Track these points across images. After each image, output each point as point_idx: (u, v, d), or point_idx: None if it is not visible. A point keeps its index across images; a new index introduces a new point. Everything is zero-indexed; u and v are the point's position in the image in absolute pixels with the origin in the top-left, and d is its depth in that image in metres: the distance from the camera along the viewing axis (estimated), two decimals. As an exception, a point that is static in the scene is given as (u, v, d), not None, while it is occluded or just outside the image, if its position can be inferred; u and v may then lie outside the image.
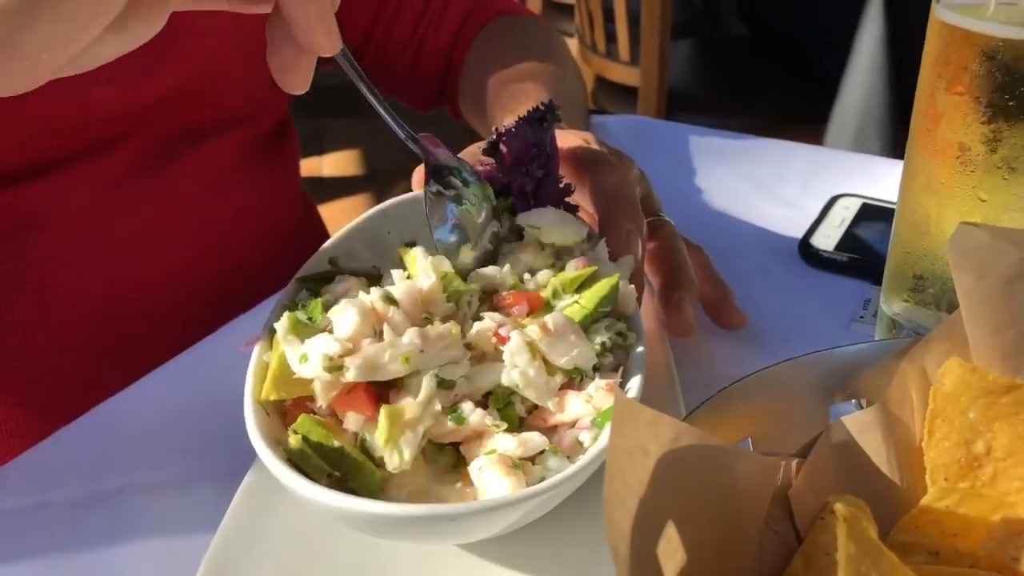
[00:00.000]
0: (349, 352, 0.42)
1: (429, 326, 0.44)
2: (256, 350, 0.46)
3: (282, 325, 0.45)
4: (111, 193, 0.74)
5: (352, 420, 0.43)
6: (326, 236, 0.57)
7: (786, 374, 0.43)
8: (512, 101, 0.78)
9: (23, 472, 0.55)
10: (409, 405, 0.42)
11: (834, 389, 0.43)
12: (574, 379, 0.46)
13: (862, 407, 0.43)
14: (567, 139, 0.61)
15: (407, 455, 0.41)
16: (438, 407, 0.43)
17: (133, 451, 0.57)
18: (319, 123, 3.34)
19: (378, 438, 0.41)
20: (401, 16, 0.92)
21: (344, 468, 0.42)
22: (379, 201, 0.58)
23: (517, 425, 0.45)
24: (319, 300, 0.48)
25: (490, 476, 0.41)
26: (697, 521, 0.35)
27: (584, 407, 0.44)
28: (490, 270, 0.50)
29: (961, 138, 0.50)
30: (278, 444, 0.42)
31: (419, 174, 0.60)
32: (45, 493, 0.53)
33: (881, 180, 0.84)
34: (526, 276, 0.51)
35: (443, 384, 0.44)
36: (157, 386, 0.62)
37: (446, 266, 0.49)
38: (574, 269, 0.50)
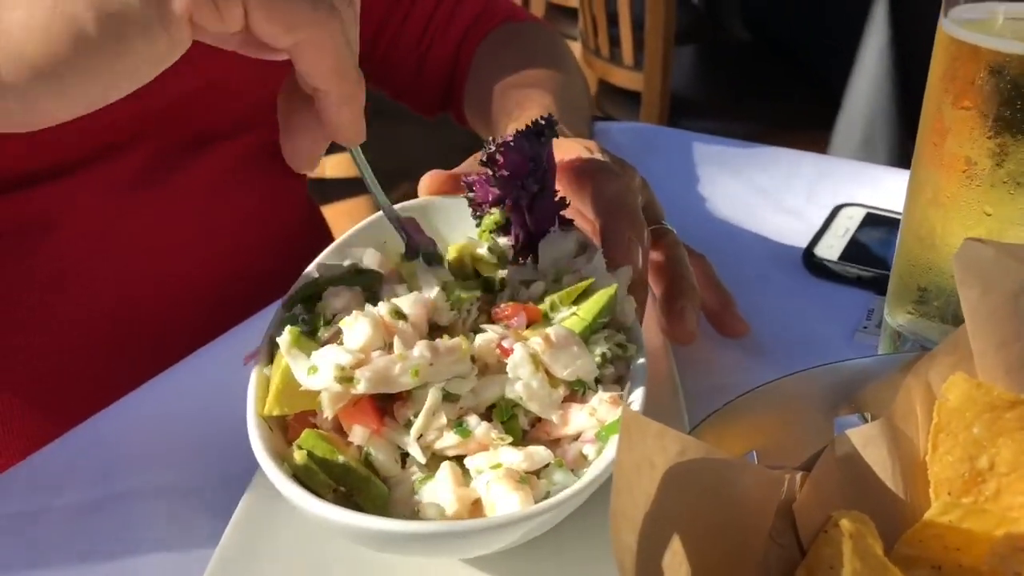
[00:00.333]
0: (359, 363, 0.42)
1: (439, 339, 0.44)
2: (256, 364, 0.46)
3: (285, 339, 0.45)
4: (121, 196, 0.74)
5: (358, 434, 0.43)
6: (331, 241, 0.57)
7: (791, 387, 0.43)
8: (517, 108, 0.78)
9: (26, 477, 0.55)
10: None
11: (839, 402, 0.43)
12: (576, 391, 0.46)
13: (867, 421, 0.43)
14: (570, 147, 0.61)
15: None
16: (444, 420, 0.43)
17: (137, 456, 0.57)
18: (322, 124, 3.34)
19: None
20: (408, 23, 0.93)
21: (350, 483, 0.42)
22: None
23: (521, 438, 0.45)
24: (319, 313, 0.47)
25: (498, 491, 0.41)
26: (702, 534, 0.35)
27: (588, 420, 0.44)
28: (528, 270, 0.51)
29: (967, 152, 0.50)
30: (282, 460, 0.42)
31: (429, 181, 0.60)
32: (48, 498, 0.53)
33: (885, 189, 0.85)
34: (521, 289, 0.51)
35: (448, 397, 0.44)
36: (162, 390, 0.62)
37: (446, 275, 0.49)
38: (571, 282, 0.50)
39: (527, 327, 0.48)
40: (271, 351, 0.47)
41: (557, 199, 0.55)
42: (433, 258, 0.52)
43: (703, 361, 0.62)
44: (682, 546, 0.33)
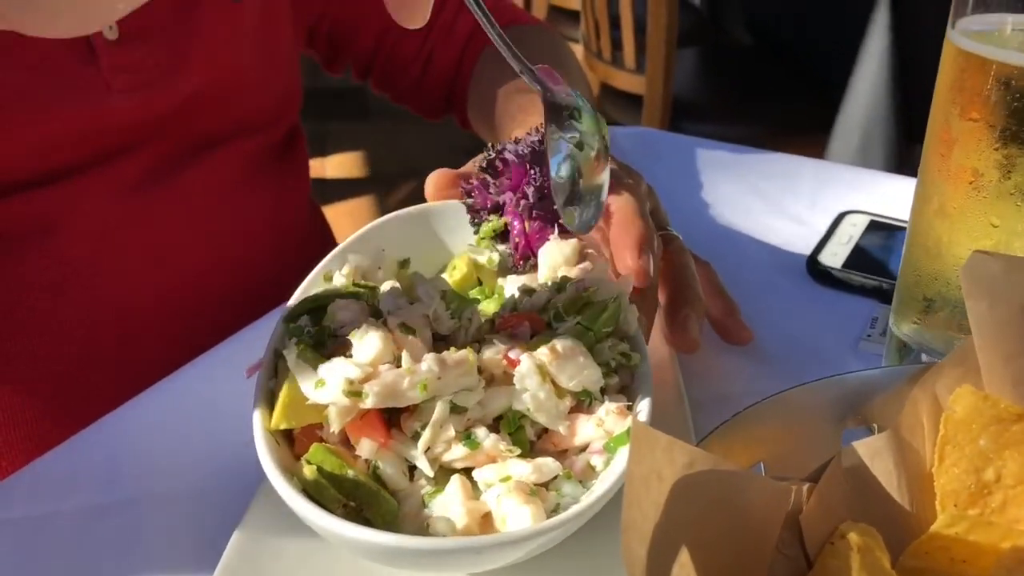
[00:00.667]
0: (368, 377, 0.42)
1: (446, 352, 0.44)
2: (260, 377, 0.46)
3: (292, 353, 0.45)
4: (126, 199, 0.74)
5: (366, 447, 0.43)
6: (334, 244, 0.57)
7: (798, 399, 0.43)
8: (521, 113, 0.78)
9: (32, 481, 0.55)
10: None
11: (846, 414, 0.43)
12: (582, 402, 0.46)
13: (874, 432, 0.43)
14: None
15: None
16: (451, 432, 0.43)
17: (143, 461, 0.57)
18: (323, 125, 3.34)
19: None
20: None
21: (359, 498, 0.42)
22: (381, 203, 0.58)
23: (528, 449, 0.45)
24: (325, 326, 0.47)
25: (509, 505, 0.41)
26: (710, 545, 0.35)
27: (595, 431, 0.44)
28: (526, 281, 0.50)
29: (975, 163, 0.50)
30: (291, 475, 0.42)
31: (435, 179, 0.59)
32: (54, 503, 0.53)
33: (888, 196, 0.85)
34: (524, 298, 0.51)
35: (455, 409, 0.44)
36: (167, 395, 0.62)
37: (444, 284, 0.49)
38: (574, 291, 0.50)
39: (531, 337, 0.48)
40: (274, 363, 0.47)
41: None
42: (573, 113, 0.50)
43: (707, 369, 0.62)
44: (690, 557, 0.33)
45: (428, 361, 0.43)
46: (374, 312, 0.48)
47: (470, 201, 0.57)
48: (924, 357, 0.57)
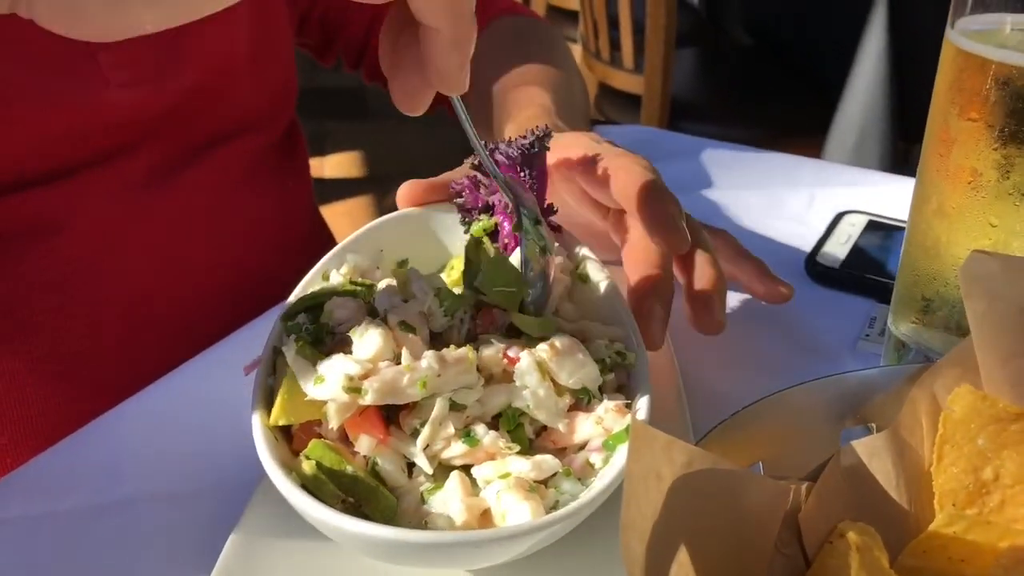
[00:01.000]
0: (367, 374, 0.42)
1: (445, 350, 0.44)
2: (258, 374, 0.46)
3: (291, 349, 0.45)
4: (128, 199, 0.74)
5: (364, 443, 0.43)
6: (334, 244, 0.57)
7: (797, 398, 0.43)
8: (515, 108, 0.78)
9: (30, 480, 0.55)
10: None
11: (845, 413, 0.44)
12: (581, 400, 0.46)
13: (873, 432, 0.43)
14: (574, 142, 0.60)
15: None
16: (451, 430, 0.43)
17: (141, 459, 0.56)
18: (321, 125, 3.35)
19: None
20: None
21: (358, 494, 0.42)
22: (380, 203, 0.58)
23: (528, 447, 0.45)
24: (324, 323, 0.47)
25: (509, 501, 0.41)
26: (709, 544, 0.35)
27: (594, 428, 0.44)
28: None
29: (973, 163, 0.50)
30: (290, 470, 0.42)
31: (406, 191, 0.59)
32: (52, 502, 0.53)
33: (887, 196, 0.85)
34: None
35: (454, 407, 0.44)
36: (165, 393, 0.62)
37: (439, 282, 0.49)
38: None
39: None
40: (273, 360, 0.47)
41: (546, 206, 0.55)
42: (536, 220, 0.51)
43: (706, 368, 0.62)
44: (689, 556, 0.34)
45: (428, 358, 0.43)
46: (370, 310, 0.48)
47: (460, 201, 0.57)
48: (923, 357, 0.57)
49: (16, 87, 0.66)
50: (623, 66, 2.27)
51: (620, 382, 0.48)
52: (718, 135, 1.04)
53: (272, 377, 0.46)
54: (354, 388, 0.42)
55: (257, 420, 0.44)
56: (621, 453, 0.43)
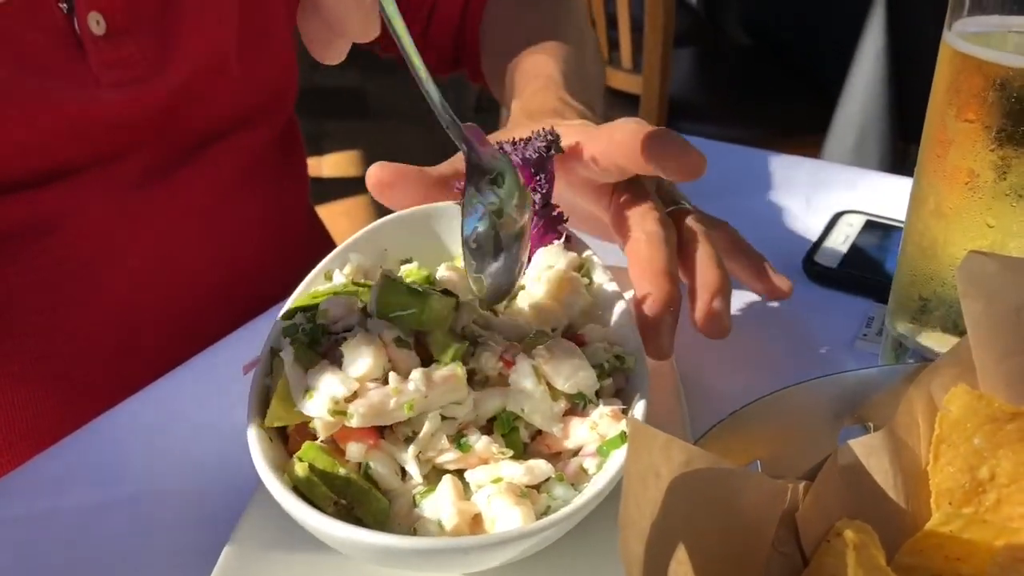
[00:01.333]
0: (355, 395, 0.42)
1: (434, 366, 0.44)
2: (256, 374, 0.46)
3: (288, 353, 0.45)
4: (124, 199, 0.74)
5: (354, 450, 0.43)
6: (333, 244, 0.57)
7: (795, 398, 0.43)
8: (522, 78, 0.77)
9: (32, 478, 0.55)
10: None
11: (843, 413, 0.44)
12: (577, 404, 0.45)
13: (870, 431, 0.43)
14: (584, 134, 0.59)
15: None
16: (444, 442, 0.43)
17: (141, 459, 0.57)
18: (320, 124, 3.34)
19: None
20: None
21: (350, 497, 0.41)
22: (378, 203, 0.58)
23: (522, 451, 0.45)
24: (320, 323, 0.47)
25: (499, 506, 0.41)
26: (707, 543, 0.35)
27: (589, 434, 0.44)
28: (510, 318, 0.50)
29: (971, 164, 0.51)
30: (283, 472, 0.42)
31: (377, 171, 0.57)
32: (54, 500, 0.53)
33: (884, 196, 0.85)
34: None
35: (446, 417, 0.43)
36: (167, 392, 0.62)
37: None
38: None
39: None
40: (271, 360, 0.47)
41: (555, 214, 0.55)
42: (498, 178, 0.49)
43: (704, 368, 0.63)
44: (687, 554, 0.34)
45: (416, 380, 0.42)
46: (365, 309, 0.48)
47: (462, 201, 0.56)
48: (920, 356, 0.58)
49: (5, 87, 0.66)
50: (621, 66, 2.27)
51: (618, 386, 0.48)
52: (716, 135, 1.04)
53: (269, 377, 0.46)
54: (339, 411, 0.41)
55: (252, 422, 0.44)
56: (615, 459, 0.43)
